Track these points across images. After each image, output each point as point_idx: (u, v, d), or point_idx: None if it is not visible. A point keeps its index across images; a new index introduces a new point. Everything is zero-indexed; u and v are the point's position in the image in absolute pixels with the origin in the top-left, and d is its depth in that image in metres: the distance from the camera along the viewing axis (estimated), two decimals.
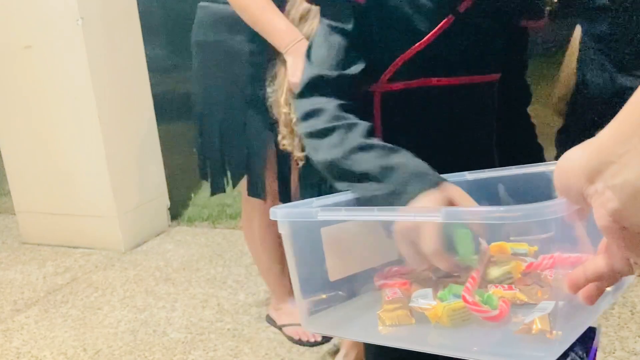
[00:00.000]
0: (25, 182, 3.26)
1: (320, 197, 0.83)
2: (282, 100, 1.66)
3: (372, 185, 0.80)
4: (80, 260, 3.08)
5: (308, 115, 0.92)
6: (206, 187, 4.10)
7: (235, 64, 1.88)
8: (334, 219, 0.75)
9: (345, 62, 0.94)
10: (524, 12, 1.04)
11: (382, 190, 0.79)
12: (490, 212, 0.61)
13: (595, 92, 1.64)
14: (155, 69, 3.74)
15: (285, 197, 2.06)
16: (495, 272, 0.72)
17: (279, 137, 1.69)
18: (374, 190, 0.80)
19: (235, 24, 1.79)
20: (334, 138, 0.86)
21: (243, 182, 2.06)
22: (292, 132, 1.65)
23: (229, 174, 2.07)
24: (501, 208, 0.59)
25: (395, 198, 0.77)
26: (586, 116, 1.67)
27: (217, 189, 2.12)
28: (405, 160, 0.81)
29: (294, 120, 1.56)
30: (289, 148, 1.67)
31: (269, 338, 2.22)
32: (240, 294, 2.59)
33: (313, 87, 0.94)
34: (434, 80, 0.97)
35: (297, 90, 0.98)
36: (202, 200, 3.79)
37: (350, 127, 0.87)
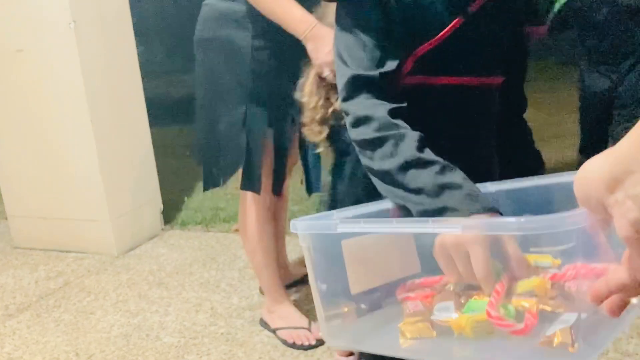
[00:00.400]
0: (17, 186, 3.25)
1: (342, 209, 0.83)
2: (306, 89, 1.65)
3: (425, 200, 0.80)
4: (72, 264, 3.06)
5: (358, 123, 0.93)
6: (200, 190, 4.11)
7: (238, 60, 1.91)
8: (353, 231, 0.75)
9: (380, 60, 0.95)
10: (527, 18, 1.08)
11: (435, 205, 0.79)
12: (510, 223, 0.61)
13: None
14: (148, 72, 3.73)
15: (277, 191, 2.10)
16: (520, 287, 0.71)
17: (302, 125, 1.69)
18: (426, 205, 0.80)
19: (239, 20, 1.86)
20: (386, 149, 0.87)
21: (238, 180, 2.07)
22: (312, 120, 1.64)
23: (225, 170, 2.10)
24: (521, 219, 0.59)
25: (447, 216, 0.77)
26: None
27: (211, 183, 2.15)
28: (461, 180, 0.81)
29: (315, 106, 1.53)
30: (310, 136, 1.65)
31: (262, 342, 2.22)
32: (233, 297, 2.58)
33: (356, 89, 0.95)
34: (444, 79, 0.99)
35: (340, 89, 0.98)
36: (196, 204, 3.78)
37: (401, 137, 0.88)
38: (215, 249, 3.14)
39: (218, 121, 2.00)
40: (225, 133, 2.00)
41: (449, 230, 0.66)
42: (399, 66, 0.96)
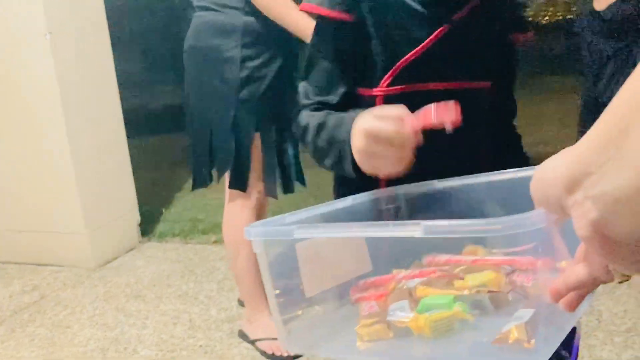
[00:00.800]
0: None
1: (294, 212, 0.83)
2: None
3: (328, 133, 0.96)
4: (48, 278, 3.02)
5: (303, 134, 1.04)
6: (177, 202, 4.09)
7: (228, 67, 2.00)
8: (311, 237, 0.75)
9: (329, 89, 1.04)
10: (512, 25, 1.12)
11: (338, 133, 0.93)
12: (470, 225, 0.61)
13: None
14: (125, 83, 3.71)
15: (271, 191, 2.17)
16: (472, 280, 0.71)
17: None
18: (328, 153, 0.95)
19: (228, 31, 1.98)
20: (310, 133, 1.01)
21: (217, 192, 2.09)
22: None
23: (215, 175, 2.20)
24: (482, 221, 0.59)
25: (337, 146, 0.93)
26: None
27: (200, 183, 2.22)
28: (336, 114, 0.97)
29: None
30: None
31: (241, 354, 2.21)
32: (212, 309, 2.57)
33: (303, 107, 1.06)
34: (431, 85, 1.02)
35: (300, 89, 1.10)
36: (174, 216, 3.77)
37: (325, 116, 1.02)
38: (193, 261, 3.13)
39: (208, 124, 2.08)
40: (215, 136, 2.08)
41: (409, 234, 0.65)
42: (377, 76, 1.01)
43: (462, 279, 0.73)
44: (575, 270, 0.50)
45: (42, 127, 2.97)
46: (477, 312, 0.70)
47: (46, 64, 2.85)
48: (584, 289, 0.51)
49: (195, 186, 2.25)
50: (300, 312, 0.79)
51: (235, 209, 2.19)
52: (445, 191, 0.91)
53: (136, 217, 3.42)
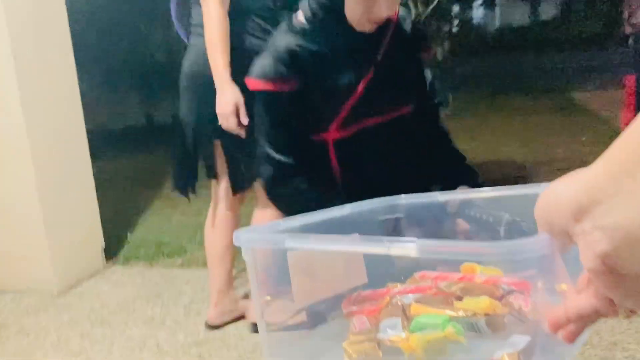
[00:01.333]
0: None
1: (289, 218, 0.81)
2: None
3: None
4: (10, 304, 2.94)
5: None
6: (142, 225, 4.03)
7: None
8: (302, 248, 0.71)
9: (284, 149, 1.17)
10: (419, 47, 1.28)
11: None
12: (470, 247, 0.59)
13: None
14: (90, 104, 3.67)
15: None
16: (467, 305, 0.69)
17: None
18: None
19: None
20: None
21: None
22: None
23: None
24: (483, 244, 0.56)
25: None
26: None
27: (182, 189, 2.38)
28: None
29: None
30: None
31: None
32: (179, 334, 2.53)
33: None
34: (370, 122, 1.15)
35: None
36: (138, 240, 3.72)
37: None
38: (159, 285, 3.09)
39: (193, 137, 2.25)
40: (200, 146, 2.27)
41: (404, 252, 0.62)
42: (324, 124, 1.15)
43: (460, 298, 0.71)
44: (577, 301, 0.46)
45: (5, 148, 2.91)
46: (472, 334, 0.68)
47: (10, 85, 2.81)
48: (584, 322, 0.47)
49: (176, 190, 2.39)
50: (289, 324, 0.76)
51: (217, 198, 2.39)
52: (446, 204, 0.89)
53: (100, 241, 3.37)
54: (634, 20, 4.75)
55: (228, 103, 1.97)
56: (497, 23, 21.01)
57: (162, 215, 4.26)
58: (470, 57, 12.86)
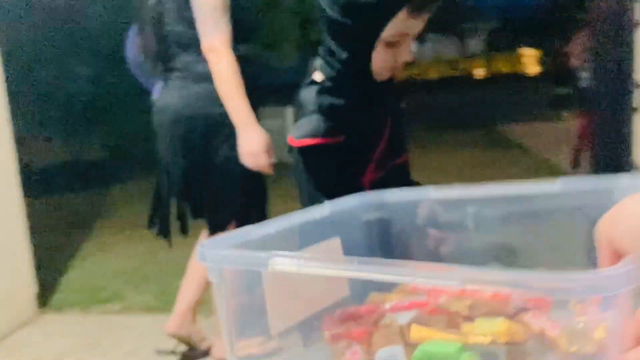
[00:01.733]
0: None
1: (261, 223, 0.68)
2: None
3: None
4: None
5: None
6: (77, 269, 3.83)
7: (213, 130, 2.16)
8: (294, 271, 0.56)
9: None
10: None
11: None
12: (532, 279, 0.43)
13: None
14: (22, 139, 3.48)
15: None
16: (479, 328, 0.56)
17: None
18: None
19: (215, 100, 2.09)
20: None
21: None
22: None
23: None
24: (551, 275, 0.41)
25: None
26: None
27: (165, 233, 2.37)
28: None
29: None
30: None
31: None
32: None
33: None
34: (396, 161, 1.32)
35: None
36: (72, 284, 3.51)
37: None
38: (96, 333, 2.91)
39: (184, 176, 2.25)
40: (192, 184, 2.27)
41: (442, 283, 0.50)
42: (361, 175, 1.24)
43: (469, 318, 0.59)
44: None
45: None
46: None
47: None
48: None
49: (154, 230, 2.37)
50: (263, 354, 0.63)
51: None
52: (438, 202, 0.80)
53: (33, 288, 3.16)
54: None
55: (259, 143, 2.04)
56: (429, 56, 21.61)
57: (96, 258, 4.07)
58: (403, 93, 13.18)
